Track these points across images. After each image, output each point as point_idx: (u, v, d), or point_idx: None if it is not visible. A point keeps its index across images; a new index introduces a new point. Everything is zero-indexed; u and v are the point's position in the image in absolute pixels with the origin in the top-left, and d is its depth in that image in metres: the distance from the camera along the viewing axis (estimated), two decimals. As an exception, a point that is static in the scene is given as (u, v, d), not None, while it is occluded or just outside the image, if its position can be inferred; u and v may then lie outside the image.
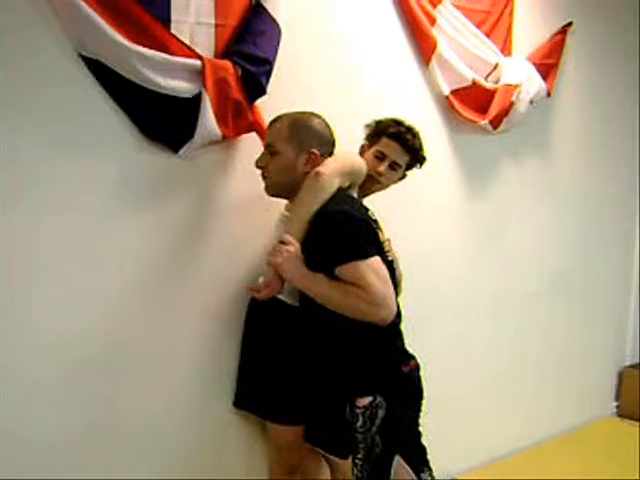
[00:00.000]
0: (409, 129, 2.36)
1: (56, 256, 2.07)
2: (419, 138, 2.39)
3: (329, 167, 2.11)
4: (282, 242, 2.07)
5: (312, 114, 2.22)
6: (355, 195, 2.28)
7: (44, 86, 2.01)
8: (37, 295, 2.05)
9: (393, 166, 2.37)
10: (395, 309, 1.99)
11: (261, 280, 2.21)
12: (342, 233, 2.00)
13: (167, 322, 2.33)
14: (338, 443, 2.18)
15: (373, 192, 2.41)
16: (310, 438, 2.44)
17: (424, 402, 2.17)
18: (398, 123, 2.36)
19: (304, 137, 2.15)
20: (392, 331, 2.10)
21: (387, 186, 2.43)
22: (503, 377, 3.71)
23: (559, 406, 4.06)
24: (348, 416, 2.11)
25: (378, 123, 2.40)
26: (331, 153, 2.20)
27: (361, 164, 2.28)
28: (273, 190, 2.23)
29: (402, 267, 2.41)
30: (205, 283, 2.40)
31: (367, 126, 2.44)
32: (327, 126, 2.21)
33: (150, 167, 2.24)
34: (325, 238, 2.02)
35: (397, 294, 2.15)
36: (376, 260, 1.97)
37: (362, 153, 2.40)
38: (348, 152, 2.32)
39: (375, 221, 2.17)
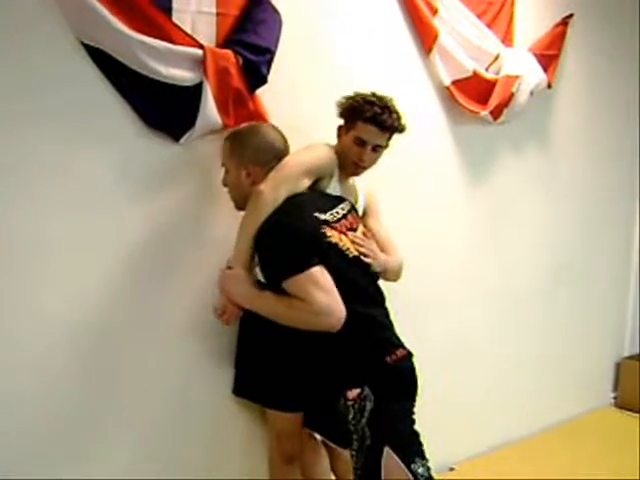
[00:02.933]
0: (384, 107, 2.25)
1: (56, 243, 2.08)
2: (395, 111, 2.28)
3: (271, 181, 2.12)
4: (228, 267, 2.16)
5: (254, 127, 2.28)
6: (333, 186, 2.31)
7: (45, 74, 2.01)
8: (40, 283, 2.06)
9: (375, 149, 2.31)
10: (343, 313, 1.99)
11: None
12: (278, 249, 2.05)
13: (165, 309, 2.35)
14: (339, 432, 2.20)
15: (360, 173, 2.39)
16: (313, 426, 2.47)
17: (418, 392, 2.16)
18: (371, 103, 2.25)
19: (241, 153, 2.22)
20: (371, 322, 2.12)
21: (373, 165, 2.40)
22: (502, 368, 3.72)
23: (558, 397, 4.07)
24: (341, 408, 2.13)
25: (351, 102, 2.30)
26: (280, 159, 2.20)
27: (326, 157, 2.28)
28: (237, 205, 2.30)
29: (402, 255, 2.41)
30: (204, 270, 2.41)
31: (339, 104, 2.33)
32: (270, 135, 2.24)
33: (151, 155, 2.25)
34: (265, 254, 2.09)
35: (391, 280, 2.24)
36: (315, 271, 1.99)
37: (340, 135, 2.36)
38: (312, 147, 2.29)
39: (322, 221, 2.13)
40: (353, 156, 2.30)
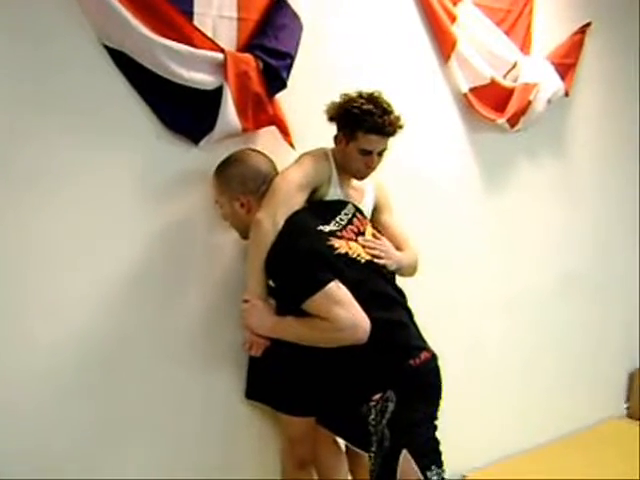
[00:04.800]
0: (382, 112, 2.20)
1: (74, 245, 2.09)
2: (391, 110, 2.22)
3: (266, 208, 2.13)
4: (244, 301, 2.17)
5: (235, 156, 2.26)
6: (334, 187, 2.31)
7: (67, 76, 2.03)
8: (54, 286, 2.07)
9: (380, 153, 2.29)
10: (367, 324, 1.99)
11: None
12: (291, 273, 2.05)
13: (179, 312, 2.35)
14: (362, 436, 2.19)
15: (367, 176, 2.37)
16: (336, 430, 2.45)
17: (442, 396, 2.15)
18: (370, 112, 2.18)
19: (228, 186, 2.24)
20: (394, 326, 2.11)
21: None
22: (514, 376, 3.70)
23: (570, 406, 4.04)
24: (364, 409, 2.12)
25: (346, 111, 2.23)
26: (269, 182, 2.20)
27: (316, 167, 2.27)
28: (242, 236, 2.31)
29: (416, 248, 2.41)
30: (219, 274, 2.42)
31: (331, 110, 2.28)
32: (253, 161, 2.25)
33: (170, 158, 2.26)
34: (281, 280, 2.10)
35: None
36: (331, 287, 1.99)
37: (339, 143, 2.32)
38: (300, 161, 2.28)
39: (327, 233, 2.13)
40: (360, 165, 2.29)
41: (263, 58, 2.27)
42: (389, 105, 2.24)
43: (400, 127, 2.26)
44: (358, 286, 2.04)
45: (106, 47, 2.06)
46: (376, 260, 2.20)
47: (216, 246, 2.41)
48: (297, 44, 2.37)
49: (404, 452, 2.01)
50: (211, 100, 2.20)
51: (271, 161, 2.29)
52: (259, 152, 2.30)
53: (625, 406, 4.56)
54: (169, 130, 2.22)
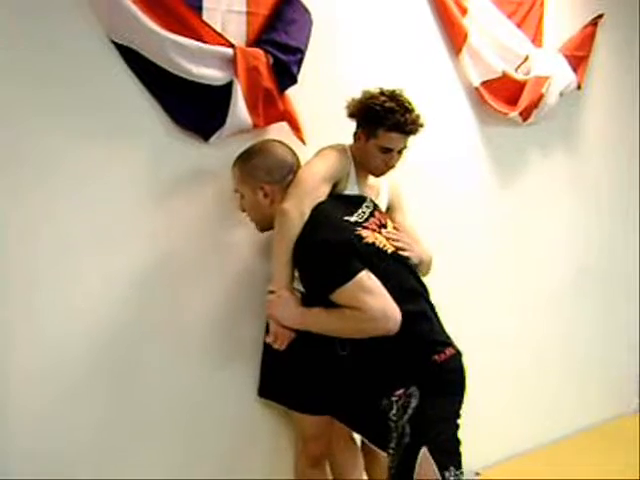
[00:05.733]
0: (403, 110, 2.19)
1: (83, 242, 2.08)
2: (412, 108, 2.21)
3: (293, 198, 2.11)
4: (270, 292, 2.13)
5: (259, 145, 2.26)
6: (352, 184, 2.29)
7: (75, 72, 2.02)
8: (66, 283, 2.06)
9: (400, 151, 2.29)
10: (398, 314, 1.97)
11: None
12: (322, 263, 2.01)
13: (191, 309, 2.34)
14: (381, 434, 2.16)
15: (385, 174, 2.36)
16: (354, 427, 2.41)
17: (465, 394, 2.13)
18: (391, 110, 2.17)
19: (252, 175, 2.21)
20: (417, 320, 2.07)
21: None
22: (526, 372, 3.68)
23: (582, 402, 4.03)
24: (385, 404, 2.09)
25: (368, 108, 2.22)
26: (294, 173, 2.19)
27: (339, 161, 2.26)
28: (260, 228, 2.30)
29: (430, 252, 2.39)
30: (231, 271, 2.41)
31: (352, 107, 2.27)
32: (279, 151, 2.23)
33: (180, 155, 2.24)
34: (310, 270, 2.06)
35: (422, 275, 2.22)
36: (362, 277, 1.96)
37: (358, 139, 2.30)
38: (323, 154, 2.26)
39: (354, 223, 2.11)
40: (379, 162, 2.28)
41: (273, 53, 2.25)
42: (410, 104, 2.22)
43: (421, 126, 2.25)
44: (386, 277, 2.02)
45: (115, 43, 2.04)
46: (400, 252, 2.18)
47: (229, 242, 2.39)
48: (307, 39, 2.35)
49: (424, 449, 1.97)
50: (221, 96, 2.19)
51: (294, 152, 2.27)
52: (282, 143, 2.28)
53: (637, 402, 4.54)
54: (179, 127, 2.21)
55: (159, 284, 2.25)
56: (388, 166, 2.30)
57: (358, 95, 2.27)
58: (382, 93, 2.22)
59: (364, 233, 2.09)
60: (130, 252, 2.18)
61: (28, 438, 2.02)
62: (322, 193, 2.16)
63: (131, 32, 2.02)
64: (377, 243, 2.11)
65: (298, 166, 2.23)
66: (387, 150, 2.24)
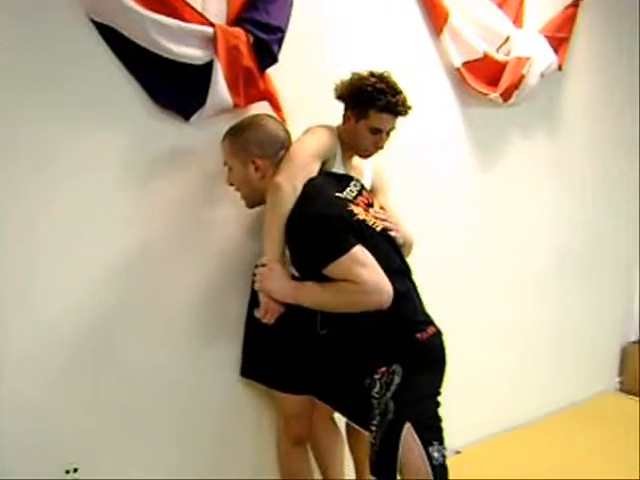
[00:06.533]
0: (394, 92, 2.24)
1: (64, 227, 2.08)
2: (400, 90, 2.25)
3: (286, 172, 2.11)
4: (262, 264, 2.12)
5: (251, 119, 2.26)
6: (338, 163, 2.31)
7: (54, 52, 2.00)
8: (47, 269, 2.06)
9: (389, 132, 2.33)
10: (390, 288, 1.98)
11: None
12: (316, 237, 2.02)
13: (174, 289, 2.34)
14: (364, 414, 2.16)
15: (373, 155, 2.39)
16: (336, 407, 2.43)
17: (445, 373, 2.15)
18: (382, 91, 2.21)
19: (244, 149, 2.20)
20: (401, 299, 2.08)
21: None
22: (508, 352, 3.72)
23: (564, 381, 4.08)
24: (367, 383, 2.12)
25: (358, 89, 2.24)
26: (286, 148, 2.20)
27: (329, 139, 2.27)
28: (248, 203, 2.30)
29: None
30: (214, 250, 2.41)
31: (342, 88, 2.30)
32: (271, 126, 2.23)
33: (161, 135, 2.24)
34: (303, 244, 2.06)
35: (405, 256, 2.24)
36: (357, 251, 1.98)
37: (347, 121, 2.33)
38: (314, 131, 2.27)
39: (345, 199, 2.13)
40: (369, 144, 2.31)
41: (254, 32, 2.23)
42: (398, 86, 2.25)
43: (409, 108, 2.28)
44: (374, 254, 2.03)
45: (94, 22, 2.03)
46: (388, 232, 2.21)
47: (212, 222, 2.40)
48: (288, 18, 2.34)
49: (407, 425, 2.00)
50: (201, 75, 2.18)
51: (286, 128, 2.27)
52: (274, 118, 2.28)
53: (618, 380, 4.60)
54: (159, 106, 2.20)
55: (143, 265, 2.25)
56: (376, 147, 2.32)
57: (346, 77, 2.29)
58: (372, 75, 2.24)
59: (355, 210, 2.11)
60: (113, 234, 2.17)
61: (15, 423, 2.03)
62: (314, 169, 2.17)
63: (113, 12, 2.01)
64: (367, 220, 2.13)
65: (290, 142, 2.24)
66: (377, 131, 2.27)
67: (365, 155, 2.37)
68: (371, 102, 2.22)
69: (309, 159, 2.17)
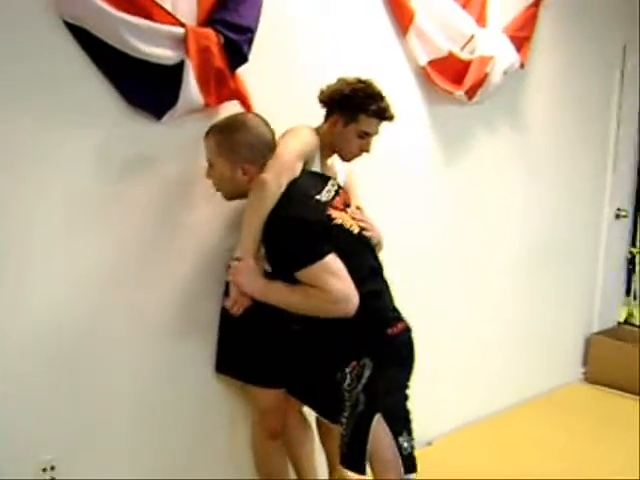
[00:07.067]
0: (383, 100, 2.32)
1: (36, 230, 2.07)
2: (386, 99, 2.34)
3: (272, 170, 2.15)
4: (236, 258, 2.17)
5: (240, 121, 2.27)
6: (316, 164, 2.36)
7: (26, 53, 1.99)
8: (24, 273, 2.06)
9: (374, 136, 2.40)
10: (357, 298, 2.04)
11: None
12: (293, 240, 2.07)
13: (149, 288, 2.36)
14: (334, 408, 2.24)
15: (355, 159, 2.45)
16: (307, 401, 2.49)
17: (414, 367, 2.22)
18: (372, 97, 2.30)
19: (234, 151, 2.21)
20: (374, 297, 2.16)
21: None
22: (474, 343, 3.79)
23: (530, 372, 4.16)
24: (338, 377, 2.17)
25: (348, 94, 2.30)
26: (272, 150, 2.22)
27: (311, 140, 2.32)
28: (226, 197, 2.32)
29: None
30: (187, 250, 2.43)
31: (331, 93, 2.35)
32: (259, 128, 2.25)
33: (133, 134, 2.25)
34: (279, 245, 2.11)
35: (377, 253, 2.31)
36: (329, 259, 2.03)
37: (334, 124, 2.37)
38: (297, 131, 2.31)
39: (324, 203, 2.18)
40: (355, 147, 2.37)
41: (224, 33, 2.25)
42: (382, 92, 2.33)
43: (394, 115, 2.37)
44: (350, 256, 2.09)
45: (66, 23, 2.03)
46: (364, 232, 2.26)
47: (185, 221, 2.42)
48: (258, 18, 2.36)
49: (377, 416, 2.07)
50: (173, 75, 2.19)
51: (271, 129, 2.29)
52: (261, 118, 2.29)
53: (582, 370, 4.70)
54: (132, 106, 2.21)
55: (118, 263, 2.26)
56: (362, 150, 2.39)
57: (332, 82, 2.36)
58: (360, 81, 2.32)
59: (333, 214, 2.16)
60: (85, 234, 2.18)
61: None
62: (297, 168, 2.22)
63: (84, 13, 2.01)
64: (344, 224, 2.18)
65: (275, 143, 2.26)
66: (365, 135, 2.34)
67: (349, 158, 2.43)
68: (362, 107, 2.29)
69: (294, 159, 2.21)
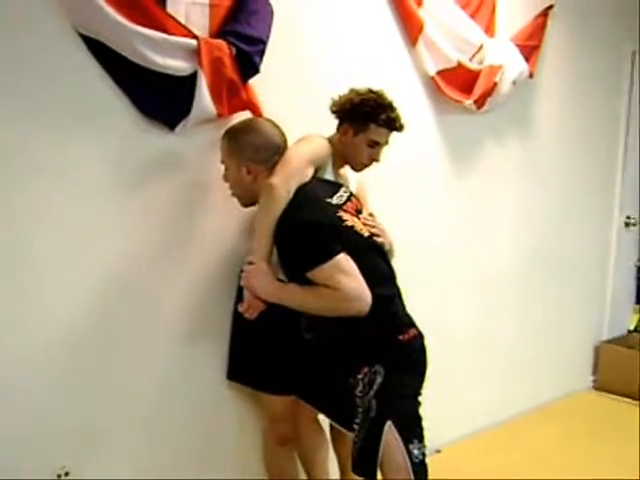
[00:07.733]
0: (393, 110, 2.35)
1: (52, 235, 2.10)
2: (397, 110, 2.37)
3: (281, 175, 2.17)
4: (249, 262, 2.19)
5: (251, 124, 2.32)
6: (328, 173, 2.38)
7: (41, 64, 2.02)
8: (36, 277, 2.08)
9: (383, 146, 2.43)
10: (369, 297, 2.05)
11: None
12: (304, 241, 2.09)
13: (161, 295, 2.38)
14: (347, 414, 2.24)
15: (365, 169, 2.47)
16: (320, 407, 2.49)
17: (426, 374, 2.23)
18: (383, 106, 2.33)
19: (239, 151, 2.27)
20: (385, 303, 2.16)
21: None
22: (483, 351, 3.80)
23: (539, 380, 4.16)
24: (351, 383, 2.19)
25: (359, 104, 2.33)
26: (280, 154, 2.25)
27: (323, 147, 2.35)
28: (242, 202, 2.36)
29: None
30: (198, 258, 2.45)
31: (343, 104, 2.38)
32: (269, 132, 2.28)
33: (147, 144, 2.27)
34: (291, 247, 2.13)
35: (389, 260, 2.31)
36: (341, 258, 2.05)
37: (344, 134, 2.39)
38: (309, 138, 2.34)
39: (335, 205, 2.20)
40: (365, 157, 2.40)
41: (236, 44, 2.29)
42: (393, 103, 2.36)
43: (404, 125, 2.39)
44: (361, 260, 2.10)
45: (82, 35, 2.06)
46: (375, 238, 2.28)
47: (198, 229, 2.44)
48: (269, 29, 2.39)
49: (389, 423, 2.07)
50: (186, 86, 2.23)
51: (284, 135, 2.32)
52: (274, 123, 2.33)
53: (591, 379, 4.69)
54: (146, 117, 2.24)
55: (127, 274, 2.28)
56: (371, 160, 2.41)
57: (344, 93, 2.39)
58: (371, 91, 2.35)
59: (344, 216, 2.19)
60: (102, 242, 2.20)
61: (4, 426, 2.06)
62: (307, 174, 2.24)
63: (98, 24, 2.05)
64: (355, 227, 2.20)
65: (285, 147, 2.29)
66: (375, 144, 2.36)
67: (359, 168, 2.46)
68: (372, 116, 2.32)
69: (304, 163, 2.23)
